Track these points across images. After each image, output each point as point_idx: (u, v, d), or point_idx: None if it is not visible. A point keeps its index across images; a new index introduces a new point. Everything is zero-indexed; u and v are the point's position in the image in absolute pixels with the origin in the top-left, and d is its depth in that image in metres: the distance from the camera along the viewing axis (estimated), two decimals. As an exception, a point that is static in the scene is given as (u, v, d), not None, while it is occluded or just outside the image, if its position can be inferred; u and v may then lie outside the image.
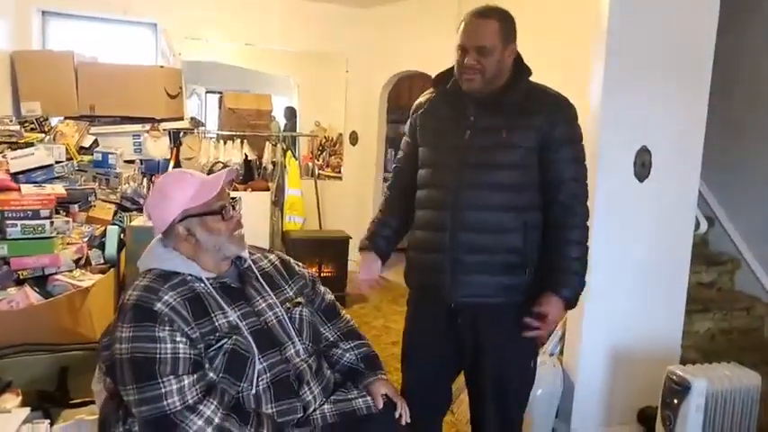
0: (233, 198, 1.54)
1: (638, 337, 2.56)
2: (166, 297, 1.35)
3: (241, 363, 1.39)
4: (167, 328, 1.32)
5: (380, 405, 1.56)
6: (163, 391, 1.28)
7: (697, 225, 2.76)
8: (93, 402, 1.64)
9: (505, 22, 1.67)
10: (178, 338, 1.33)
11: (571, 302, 1.72)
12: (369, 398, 1.56)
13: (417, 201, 1.82)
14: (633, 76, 2.40)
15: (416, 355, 1.89)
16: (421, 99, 1.87)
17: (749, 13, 3.34)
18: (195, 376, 1.33)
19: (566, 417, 2.53)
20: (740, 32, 3.34)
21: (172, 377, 1.29)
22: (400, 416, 1.57)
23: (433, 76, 1.85)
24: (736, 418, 2.25)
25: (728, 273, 3.40)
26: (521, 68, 1.74)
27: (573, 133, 1.72)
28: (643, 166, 2.46)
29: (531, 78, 1.75)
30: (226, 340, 1.39)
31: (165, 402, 1.28)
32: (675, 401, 2.22)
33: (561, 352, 2.61)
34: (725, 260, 3.42)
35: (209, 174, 3.98)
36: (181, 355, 1.32)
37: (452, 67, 1.78)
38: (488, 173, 1.68)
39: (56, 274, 2.11)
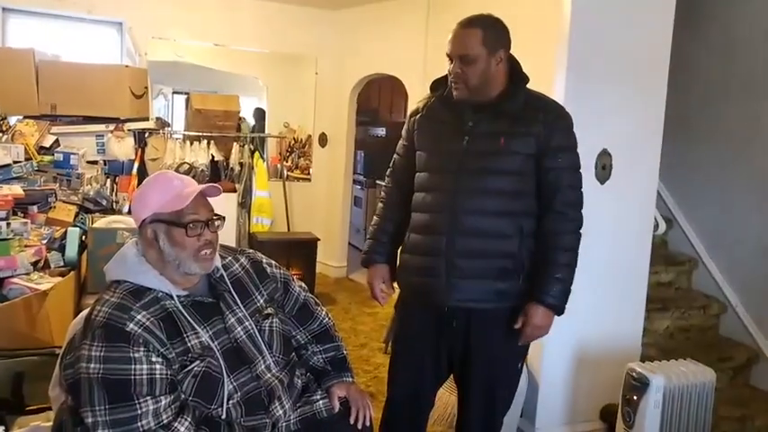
0: (217, 215, 1.46)
1: (600, 336, 2.63)
2: (139, 317, 1.31)
3: (211, 385, 1.38)
4: (142, 348, 1.29)
5: (336, 407, 1.56)
6: (138, 412, 1.26)
7: (656, 226, 2.84)
8: (49, 409, 1.60)
9: (490, 30, 1.67)
10: (154, 359, 1.30)
11: (556, 309, 1.73)
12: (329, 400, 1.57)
13: (414, 204, 1.82)
14: (593, 80, 2.47)
15: (408, 358, 1.88)
16: (419, 104, 1.88)
17: (704, 19, 3.46)
18: (172, 396, 1.31)
19: (530, 416, 2.58)
20: (695, 37, 3.45)
21: (149, 398, 1.27)
22: (356, 420, 1.56)
23: (431, 82, 1.86)
24: (692, 412, 2.33)
25: (686, 273, 3.50)
26: (518, 76, 1.75)
27: (570, 141, 1.76)
28: (604, 168, 2.53)
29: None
30: (198, 362, 1.36)
31: (138, 423, 1.26)
32: (635, 398, 2.28)
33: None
34: (683, 260, 3.52)
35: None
36: (158, 376, 1.29)
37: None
38: (486, 179, 1.70)
39: (12, 277, 2.05)
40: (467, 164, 1.71)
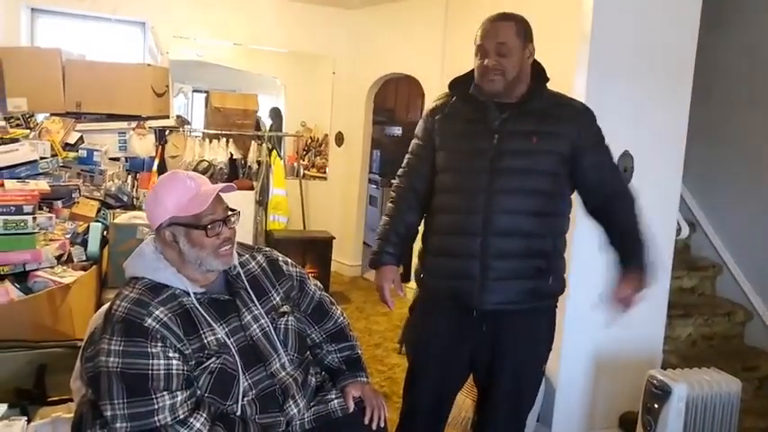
0: (232, 210, 1.46)
1: (619, 342, 2.59)
2: (157, 312, 1.33)
3: (227, 382, 1.39)
4: (159, 344, 1.30)
5: (351, 407, 1.55)
6: (156, 406, 1.27)
7: (679, 230, 2.78)
8: (70, 400, 1.62)
9: (521, 23, 1.71)
10: (171, 354, 1.31)
11: (651, 267, 1.74)
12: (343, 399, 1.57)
13: (439, 205, 1.79)
14: (615, 81, 2.44)
15: (431, 364, 1.83)
16: (437, 103, 1.84)
17: (731, 21, 3.40)
18: (188, 392, 1.32)
19: (547, 421, 2.55)
20: (722, 39, 3.39)
21: (166, 393, 1.29)
22: (371, 420, 1.56)
23: (450, 81, 1.83)
24: (716, 423, 2.27)
25: (710, 278, 3.43)
26: (541, 75, 1.75)
27: (600, 134, 1.78)
28: (625, 170, 2.49)
29: None
30: (214, 359, 1.37)
31: (155, 418, 1.27)
32: (656, 406, 2.24)
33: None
34: (706, 265, 3.45)
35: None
36: (174, 371, 1.31)
37: (470, 72, 1.78)
38: (521, 178, 1.68)
39: (37, 270, 2.07)
40: (500, 163, 1.68)
